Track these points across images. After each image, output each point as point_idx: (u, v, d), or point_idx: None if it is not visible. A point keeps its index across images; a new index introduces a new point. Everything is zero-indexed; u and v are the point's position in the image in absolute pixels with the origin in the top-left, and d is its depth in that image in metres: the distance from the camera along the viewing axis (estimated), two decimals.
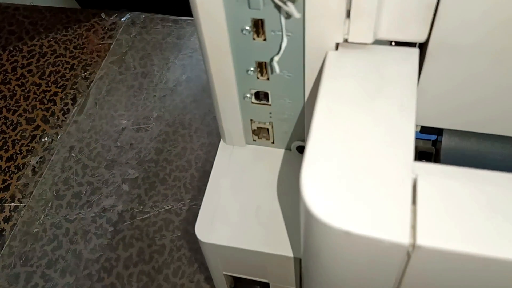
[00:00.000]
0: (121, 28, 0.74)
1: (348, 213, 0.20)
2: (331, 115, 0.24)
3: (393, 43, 0.28)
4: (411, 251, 0.19)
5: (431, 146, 0.35)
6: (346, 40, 0.26)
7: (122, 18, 0.75)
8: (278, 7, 0.25)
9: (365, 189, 0.21)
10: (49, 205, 0.55)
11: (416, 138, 0.35)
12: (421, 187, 0.21)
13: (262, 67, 0.31)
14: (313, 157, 0.22)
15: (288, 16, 0.25)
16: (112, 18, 0.76)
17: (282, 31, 0.27)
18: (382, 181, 0.21)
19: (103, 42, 0.72)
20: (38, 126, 0.63)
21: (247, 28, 0.28)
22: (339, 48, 0.27)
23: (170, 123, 0.62)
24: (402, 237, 0.19)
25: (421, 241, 0.19)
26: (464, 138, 0.32)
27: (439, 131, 0.33)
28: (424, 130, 0.33)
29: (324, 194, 0.21)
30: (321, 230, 0.21)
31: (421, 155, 0.34)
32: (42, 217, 0.54)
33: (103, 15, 0.76)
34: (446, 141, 0.32)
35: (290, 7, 0.23)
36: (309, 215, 0.21)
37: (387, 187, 0.21)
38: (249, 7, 0.26)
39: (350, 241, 0.20)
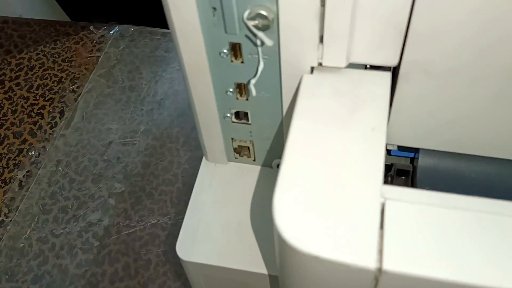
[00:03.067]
0: (110, 41, 0.74)
1: (317, 238, 0.21)
2: (304, 139, 0.24)
3: (368, 67, 0.28)
4: (378, 275, 0.20)
5: (409, 163, 0.35)
6: (320, 64, 0.27)
7: (111, 31, 0.76)
8: (253, 33, 0.26)
9: (335, 214, 0.21)
10: (36, 220, 0.55)
11: (394, 156, 0.35)
12: (389, 211, 0.21)
13: (241, 88, 0.31)
14: (285, 183, 0.23)
15: (262, 42, 0.26)
16: (100, 31, 0.76)
17: (258, 55, 0.27)
18: (352, 205, 0.21)
19: (92, 55, 0.73)
20: (25, 140, 0.63)
21: (225, 51, 0.28)
22: (314, 71, 0.27)
23: (157, 137, 0.62)
24: (369, 262, 0.20)
25: (387, 266, 0.20)
26: (440, 157, 0.32)
27: (416, 149, 0.34)
28: (402, 147, 0.34)
29: (295, 219, 0.21)
30: (292, 254, 0.21)
31: (399, 172, 0.35)
32: (28, 232, 0.55)
33: (91, 28, 0.76)
34: (422, 160, 0.33)
35: (261, 36, 0.24)
36: (280, 239, 0.21)
37: (356, 211, 0.21)
38: (226, 32, 0.27)
39: (320, 265, 0.21)
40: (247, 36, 0.27)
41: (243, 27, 0.26)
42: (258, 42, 0.26)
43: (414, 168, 0.34)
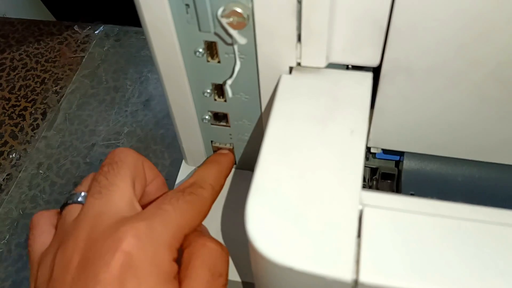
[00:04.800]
0: (94, 41, 0.73)
1: (291, 248, 0.19)
2: (280, 142, 0.23)
3: (350, 67, 0.27)
4: (354, 287, 0.19)
5: (394, 167, 0.34)
6: (299, 64, 0.26)
7: (96, 31, 0.74)
8: (227, 31, 0.25)
9: (311, 222, 0.20)
10: (15, 224, 0.54)
11: (379, 159, 0.34)
12: (367, 219, 0.20)
13: (219, 89, 0.30)
14: (259, 189, 0.21)
15: (236, 40, 0.25)
16: (85, 30, 0.75)
17: (234, 54, 0.26)
18: (328, 212, 0.20)
19: (76, 55, 0.71)
20: (6, 142, 0.61)
21: (200, 50, 0.27)
22: (293, 71, 0.26)
23: (141, 139, 0.61)
24: (345, 273, 0.19)
25: (363, 277, 0.18)
26: (425, 160, 0.32)
27: (401, 152, 0.33)
28: (387, 150, 0.33)
29: (269, 228, 0.20)
30: (265, 264, 0.20)
31: (384, 176, 0.34)
32: (7, 237, 0.53)
33: (76, 28, 0.75)
34: (407, 163, 0.32)
35: (233, 34, 0.23)
36: (253, 248, 0.20)
37: (333, 219, 0.20)
38: (200, 30, 0.26)
39: (294, 276, 0.20)
40: (221, 35, 0.26)
41: (218, 25, 0.25)
42: (232, 41, 0.25)
43: (399, 171, 0.33)
